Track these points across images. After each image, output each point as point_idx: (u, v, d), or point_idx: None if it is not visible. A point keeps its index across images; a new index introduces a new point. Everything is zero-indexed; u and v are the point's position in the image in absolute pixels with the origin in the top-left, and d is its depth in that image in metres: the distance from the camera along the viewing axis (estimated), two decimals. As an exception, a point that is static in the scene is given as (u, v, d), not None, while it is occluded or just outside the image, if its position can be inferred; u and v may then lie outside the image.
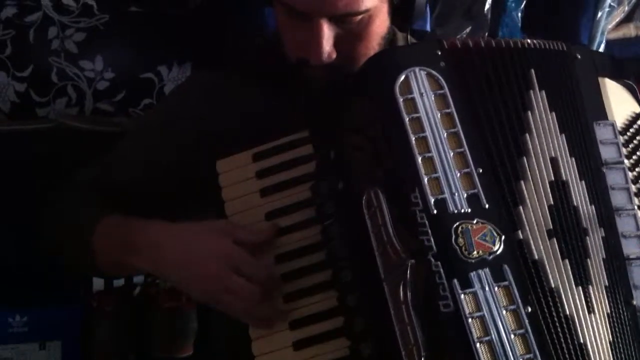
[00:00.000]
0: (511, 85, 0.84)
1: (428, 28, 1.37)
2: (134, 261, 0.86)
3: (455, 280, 0.71)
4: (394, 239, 0.75)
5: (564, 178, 0.81)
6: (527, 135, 0.82)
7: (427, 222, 0.74)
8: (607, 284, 0.78)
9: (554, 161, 0.82)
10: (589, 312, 0.76)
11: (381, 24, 0.91)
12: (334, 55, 0.89)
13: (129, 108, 1.38)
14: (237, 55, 1.21)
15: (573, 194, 0.81)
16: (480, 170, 0.77)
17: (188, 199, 0.96)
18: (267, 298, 0.80)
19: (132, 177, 0.96)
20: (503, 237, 0.74)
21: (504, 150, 0.81)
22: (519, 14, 1.47)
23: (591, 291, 0.77)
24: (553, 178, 0.81)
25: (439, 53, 0.84)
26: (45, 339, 1.25)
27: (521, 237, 0.76)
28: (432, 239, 0.73)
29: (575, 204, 0.80)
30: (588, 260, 0.78)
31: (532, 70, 0.85)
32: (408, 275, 0.73)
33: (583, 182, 0.82)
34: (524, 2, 1.48)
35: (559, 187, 0.81)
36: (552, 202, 0.79)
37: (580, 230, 0.79)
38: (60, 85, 1.35)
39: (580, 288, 0.76)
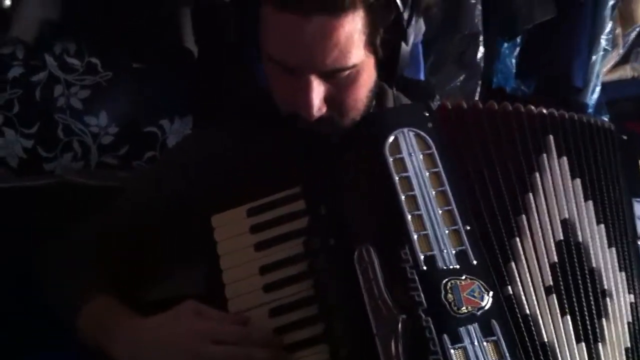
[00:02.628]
0: (515, 147, 0.88)
1: (422, 77, 1.41)
2: (112, 351, 0.88)
3: (445, 336, 0.74)
4: (385, 294, 0.78)
5: (579, 240, 0.85)
6: (531, 194, 0.86)
7: (417, 278, 0.77)
8: (628, 345, 0.81)
9: (566, 222, 0.85)
10: None
11: (368, 77, 0.95)
12: (324, 109, 0.92)
13: (133, 161, 1.42)
14: (234, 108, 1.26)
15: (593, 256, 0.84)
16: (468, 228, 0.81)
17: (180, 252, 0.99)
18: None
19: (125, 229, 0.99)
20: (491, 293, 0.77)
21: (497, 208, 0.84)
22: (513, 61, 1.52)
23: (601, 349, 0.79)
24: (562, 238, 0.84)
25: (427, 114, 0.89)
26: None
27: (511, 292, 0.79)
28: (422, 295, 0.76)
29: (593, 265, 0.84)
30: (604, 320, 0.81)
31: (551, 136, 0.89)
32: (399, 330, 0.75)
33: (613, 249, 0.86)
34: (518, 48, 1.53)
35: (569, 247, 0.84)
36: (556, 260, 0.82)
37: (597, 291, 0.82)
38: (66, 140, 1.40)
39: (582, 345, 0.79)
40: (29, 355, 1.27)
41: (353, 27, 0.88)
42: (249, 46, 0.98)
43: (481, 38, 1.43)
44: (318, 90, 0.91)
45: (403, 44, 0.94)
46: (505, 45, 1.53)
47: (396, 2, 0.90)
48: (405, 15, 0.92)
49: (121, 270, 0.97)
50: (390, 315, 0.77)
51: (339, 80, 0.92)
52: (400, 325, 0.76)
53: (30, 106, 1.37)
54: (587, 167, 0.90)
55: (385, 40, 0.93)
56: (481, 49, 1.44)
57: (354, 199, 0.86)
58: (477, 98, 1.46)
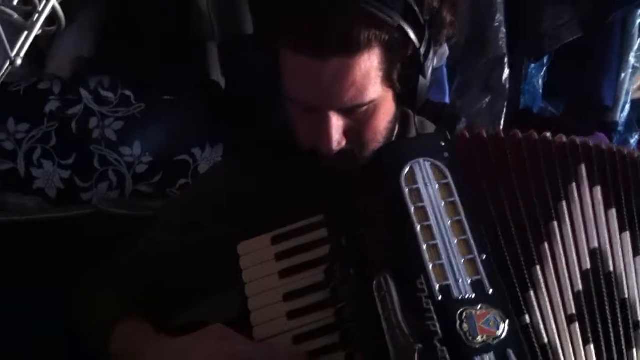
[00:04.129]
0: (541, 176, 0.87)
1: (447, 100, 1.42)
2: None
3: (460, 365, 0.74)
4: (402, 323, 0.78)
5: (610, 270, 0.84)
6: (556, 223, 0.85)
7: (432, 307, 0.77)
8: None
9: (595, 252, 0.84)
10: None
11: (387, 111, 0.96)
12: (344, 143, 0.94)
13: (167, 188, 1.47)
14: (261, 138, 1.29)
15: (627, 287, 0.83)
16: (484, 257, 0.81)
17: (206, 281, 1.01)
18: None
19: (154, 262, 1.02)
20: (507, 322, 0.77)
21: (517, 237, 0.84)
22: (540, 81, 1.51)
23: None
24: (589, 267, 0.83)
25: (443, 144, 0.89)
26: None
27: (529, 321, 0.79)
28: (437, 324, 0.76)
29: (626, 296, 0.83)
30: (634, 350, 0.80)
31: (583, 166, 0.88)
32: (416, 359, 0.77)
33: None
34: (545, 68, 1.53)
35: (597, 277, 0.83)
36: (580, 289, 0.82)
37: (628, 321, 0.81)
38: (102, 170, 1.45)
39: None
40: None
41: (370, 65, 0.90)
42: (273, 82, 1.00)
43: (506, 59, 1.43)
44: (337, 126, 0.93)
45: (421, 77, 0.95)
46: (532, 65, 1.52)
47: (412, 39, 0.91)
48: (422, 50, 0.93)
49: (149, 301, 1.00)
50: (408, 345, 0.77)
51: (358, 115, 0.93)
52: (417, 355, 0.76)
53: (67, 138, 1.43)
54: (625, 197, 0.88)
55: (402, 75, 0.94)
56: (506, 71, 1.43)
57: (372, 229, 0.87)
58: (503, 119, 1.46)
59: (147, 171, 1.46)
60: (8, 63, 0.77)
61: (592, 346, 0.79)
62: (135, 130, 1.45)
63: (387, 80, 0.93)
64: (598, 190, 0.88)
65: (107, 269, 1.05)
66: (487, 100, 1.42)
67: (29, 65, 1.40)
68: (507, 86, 1.43)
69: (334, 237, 0.90)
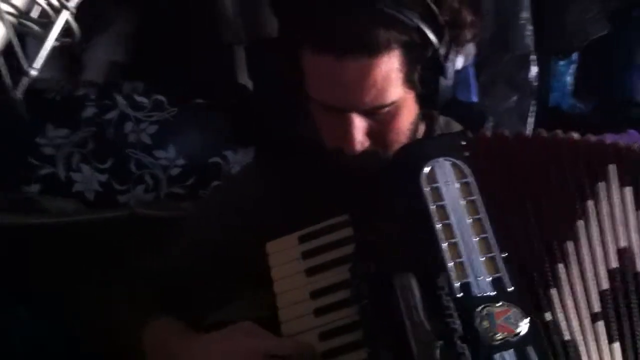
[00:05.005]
0: (565, 175, 0.87)
1: (474, 99, 1.42)
2: None
3: (480, 362, 0.75)
4: (424, 320, 0.79)
5: (639, 270, 0.83)
6: (582, 221, 0.84)
7: (452, 305, 0.78)
8: None
9: (624, 251, 0.84)
10: None
11: (409, 112, 0.96)
12: (367, 143, 0.95)
13: (200, 190, 1.50)
14: (290, 142, 1.30)
15: None
16: (504, 255, 0.81)
17: (236, 281, 1.03)
18: None
19: (184, 264, 1.03)
20: (527, 319, 0.77)
21: (539, 235, 0.83)
22: (569, 78, 1.49)
23: None
24: (617, 266, 0.83)
25: (464, 143, 0.90)
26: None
27: (550, 318, 0.79)
28: (457, 322, 0.77)
29: None
30: None
31: (613, 166, 0.87)
32: (437, 357, 0.77)
33: None
34: (574, 65, 1.51)
35: (624, 276, 0.83)
36: (606, 287, 0.82)
37: None
38: (138, 173, 1.49)
39: None
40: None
41: (390, 67, 0.90)
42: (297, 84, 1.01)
43: (533, 57, 1.42)
44: (359, 127, 0.93)
45: (442, 78, 0.95)
46: (561, 62, 1.51)
47: (431, 40, 0.92)
48: (442, 51, 0.93)
49: (180, 301, 1.02)
50: (429, 342, 0.78)
51: (380, 116, 0.94)
52: (438, 352, 0.77)
53: (103, 143, 1.47)
54: None
55: (423, 76, 0.94)
56: (534, 68, 1.42)
57: (394, 227, 0.88)
58: (531, 118, 1.45)
59: (181, 174, 1.49)
60: (25, 74, 0.80)
61: (617, 344, 0.79)
62: (169, 134, 1.49)
63: (408, 81, 0.93)
64: (629, 190, 0.87)
65: (140, 269, 1.08)
66: (514, 98, 1.41)
67: (66, 72, 1.44)
68: (535, 84, 1.42)
69: (358, 234, 0.91)
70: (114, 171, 1.48)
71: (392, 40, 0.89)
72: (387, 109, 0.93)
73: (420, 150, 0.91)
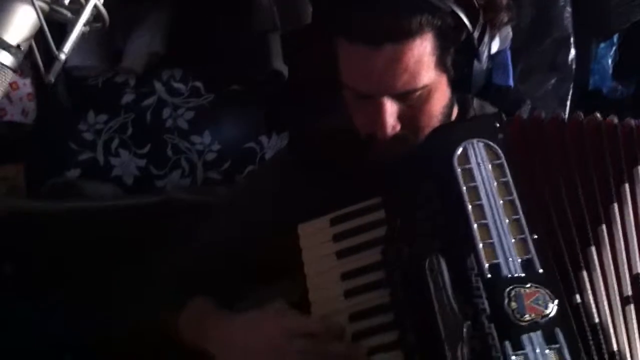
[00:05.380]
0: (602, 158, 0.86)
1: (511, 83, 1.39)
2: (208, 349, 0.93)
3: (507, 342, 0.73)
4: (452, 301, 0.79)
5: None
6: (616, 204, 0.83)
7: (481, 285, 0.77)
8: None
9: None
10: None
11: (441, 96, 0.95)
12: (398, 128, 0.94)
13: (235, 175, 1.51)
14: (324, 128, 1.30)
15: None
16: (535, 237, 0.80)
17: (268, 266, 1.03)
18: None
19: (217, 247, 1.04)
20: (556, 301, 0.76)
21: (572, 217, 0.82)
22: (610, 61, 1.46)
23: None
24: None
25: (497, 125, 0.88)
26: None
27: (579, 301, 0.78)
28: (485, 302, 0.76)
29: None
30: None
31: None
32: (465, 336, 0.76)
33: None
34: (614, 47, 1.47)
35: None
36: (638, 272, 0.80)
37: None
38: (174, 158, 1.50)
39: None
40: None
41: (422, 51, 0.90)
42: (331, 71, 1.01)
43: (572, 40, 1.39)
44: (391, 111, 0.93)
45: (476, 62, 0.94)
46: (602, 45, 1.47)
47: (465, 24, 0.90)
48: (476, 35, 0.92)
49: (213, 287, 1.03)
50: (457, 322, 0.78)
51: (412, 101, 0.93)
52: (465, 331, 0.77)
53: (142, 128, 1.49)
54: None
55: (456, 60, 0.93)
56: (572, 51, 1.39)
57: (426, 209, 0.87)
58: (570, 101, 1.42)
59: (217, 159, 1.50)
60: (56, 59, 0.82)
61: None
62: (205, 120, 1.50)
63: (440, 65, 0.92)
64: None
65: (175, 255, 1.09)
66: (552, 82, 1.38)
67: (107, 61, 1.47)
68: (574, 67, 1.39)
69: (390, 217, 0.91)
70: (152, 156, 1.50)
71: (425, 25, 0.89)
72: (419, 92, 0.93)
73: (454, 131, 0.90)
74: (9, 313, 1.36)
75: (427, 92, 0.93)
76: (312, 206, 0.97)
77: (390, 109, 0.93)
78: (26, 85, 1.45)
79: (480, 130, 0.88)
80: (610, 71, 1.47)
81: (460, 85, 0.96)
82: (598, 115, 0.90)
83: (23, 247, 1.39)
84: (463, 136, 0.88)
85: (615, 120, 0.90)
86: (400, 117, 0.94)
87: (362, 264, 0.91)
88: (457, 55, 0.92)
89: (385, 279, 0.88)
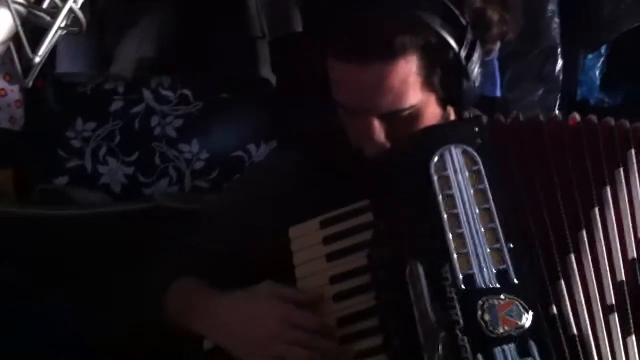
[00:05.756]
0: (582, 161, 0.84)
1: (498, 93, 1.38)
2: (197, 330, 0.91)
3: (480, 355, 0.72)
4: (430, 310, 0.78)
5: None
6: (597, 209, 0.81)
7: (455, 296, 0.76)
8: None
9: None
10: None
11: (431, 115, 0.94)
12: (388, 145, 0.93)
13: (223, 184, 1.50)
14: (315, 136, 1.29)
15: None
16: (512, 246, 0.78)
17: (257, 269, 1.02)
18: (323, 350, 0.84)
19: (206, 251, 1.02)
20: (531, 313, 0.74)
21: (550, 224, 0.81)
22: (597, 72, 1.45)
23: None
24: (635, 256, 0.80)
25: (477, 130, 0.87)
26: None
27: (556, 312, 0.76)
28: (459, 314, 0.75)
29: None
30: None
31: (633, 151, 0.84)
32: (440, 348, 0.75)
33: None
34: (602, 59, 1.45)
35: None
36: (623, 279, 0.78)
37: None
38: (162, 167, 1.49)
39: None
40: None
41: (407, 71, 0.89)
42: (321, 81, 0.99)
43: (559, 50, 1.38)
44: (380, 130, 0.92)
45: (465, 80, 0.92)
46: (590, 56, 1.46)
47: (450, 44, 0.89)
48: (464, 54, 0.90)
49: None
50: (434, 332, 0.77)
51: (400, 120, 0.92)
52: (440, 342, 0.75)
53: (130, 136, 1.48)
54: None
55: (444, 79, 0.92)
56: (560, 62, 1.38)
57: (406, 216, 0.86)
58: (557, 112, 1.40)
59: (205, 168, 1.49)
60: (30, 62, 0.81)
61: (633, 338, 0.76)
62: (193, 128, 1.49)
63: (428, 85, 0.91)
64: None
65: (165, 260, 1.08)
66: (540, 92, 1.37)
67: (96, 67, 1.46)
68: (561, 78, 1.37)
69: (376, 221, 0.90)
70: (140, 164, 1.48)
71: (409, 45, 0.88)
72: (407, 112, 0.92)
73: (431, 137, 0.89)
74: (8, 313, 1.35)
75: (416, 112, 0.92)
76: (307, 209, 0.96)
77: (379, 127, 0.92)
78: (14, 92, 1.44)
79: (459, 135, 0.87)
80: (598, 82, 1.46)
81: (451, 103, 0.95)
82: (577, 115, 0.89)
83: (19, 250, 1.37)
84: (440, 142, 0.86)
85: (594, 119, 0.88)
86: (390, 136, 0.93)
87: (351, 268, 0.90)
88: (444, 75, 0.91)
89: (370, 284, 0.87)
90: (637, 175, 0.83)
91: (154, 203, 1.41)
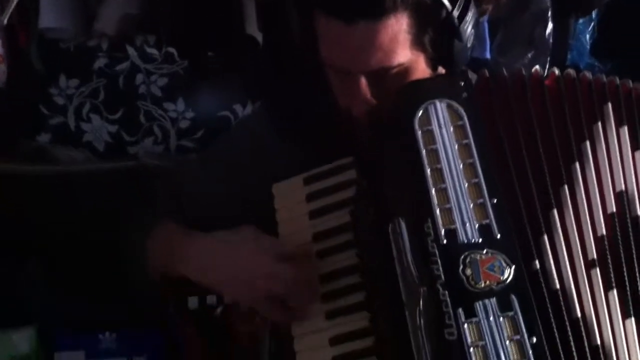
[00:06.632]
0: (563, 116, 0.82)
1: (487, 56, 1.35)
2: (180, 269, 0.90)
3: (460, 310, 0.70)
4: (412, 266, 0.75)
5: (638, 213, 0.78)
6: (578, 164, 0.80)
7: (437, 251, 0.73)
8: None
9: (622, 195, 0.79)
10: None
11: (420, 74, 0.91)
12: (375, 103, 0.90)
13: (209, 144, 1.46)
14: (300, 96, 1.26)
15: None
16: (495, 201, 0.76)
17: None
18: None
19: (191, 209, 1.00)
20: (513, 267, 0.72)
21: (533, 180, 0.79)
22: (587, 37, 1.42)
23: None
24: (615, 210, 0.78)
25: (462, 84, 0.84)
26: (132, 355, 1.33)
27: (538, 266, 0.74)
28: (440, 268, 0.72)
29: None
30: None
31: (609, 105, 0.83)
32: (421, 303, 0.73)
33: None
34: (593, 23, 1.42)
35: (623, 221, 0.78)
36: (604, 233, 0.77)
37: None
38: (147, 125, 1.46)
39: (631, 320, 0.73)
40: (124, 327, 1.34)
41: (397, 29, 0.85)
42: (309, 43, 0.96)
43: (549, 14, 1.34)
44: (367, 88, 0.90)
45: (457, 41, 0.89)
46: (580, 21, 1.43)
47: (443, 3, 0.86)
48: (456, 13, 0.87)
49: None
50: (415, 288, 0.75)
51: (388, 78, 0.89)
52: (421, 298, 0.73)
53: (114, 94, 1.45)
54: None
55: (435, 39, 0.88)
56: (550, 25, 1.34)
57: (389, 172, 0.84)
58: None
59: (190, 127, 1.46)
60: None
61: (614, 292, 0.75)
62: (179, 87, 1.46)
63: (418, 44, 0.88)
64: (625, 130, 0.82)
65: (146, 210, 1.05)
66: (529, 55, 1.34)
67: (80, 24, 1.42)
68: (551, 41, 1.34)
69: (359, 177, 0.88)
70: (124, 122, 1.46)
71: (400, 2, 0.85)
72: (395, 70, 0.89)
73: (416, 91, 0.86)
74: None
75: (404, 70, 0.89)
76: (291, 168, 0.94)
77: (367, 86, 0.89)
78: (-4, 48, 1.39)
79: (444, 89, 0.84)
80: (588, 47, 1.43)
81: (441, 63, 0.92)
82: (556, 70, 0.87)
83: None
84: (425, 96, 0.83)
85: (573, 74, 0.86)
86: (377, 95, 0.90)
87: (333, 225, 0.88)
88: (435, 35, 0.88)
89: (353, 241, 0.85)
90: (613, 129, 0.82)
91: (139, 162, 1.38)
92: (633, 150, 0.81)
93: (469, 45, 0.91)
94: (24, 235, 1.33)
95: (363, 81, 0.89)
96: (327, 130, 0.98)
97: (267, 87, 1.41)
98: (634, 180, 0.80)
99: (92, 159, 1.42)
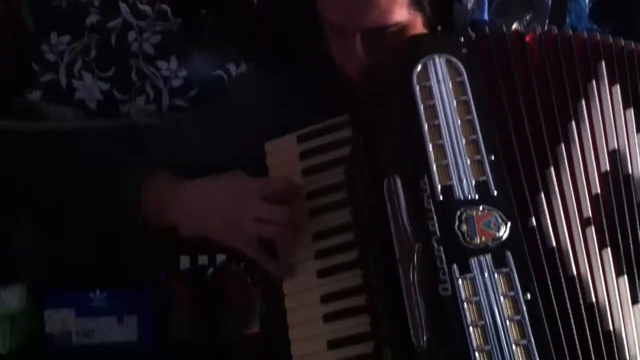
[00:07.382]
0: (560, 74, 0.81)
1: (486, 17, 1.32)
2: (171, 217, 0.90)
3: (455, 265, 0.69)
4: (406, 223, 0.74)
5: (629, 172, 0.78)
6: (574, 123, 0.78)
7: (433, 208, 0.72)
8: None
9: (615, 154, 0.78)
10: (634, 303, 0.72)
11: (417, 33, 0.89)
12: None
13: (201, 103, 1.44)
14: (297, 56, 1.23)
15: None
16: (492, 158, 0.74)
17: None
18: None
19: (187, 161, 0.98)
20: (509, 224, 0.71)
21: (531, 138, 0.77)
22: (587, 0, 1.39)
23: None
24: (608, 169, 0.77)
25: (462, 40, 0.82)
26: (122, 313, 1.32)
27: (534, 224, 0.73)
28: (436, 225, 0.71)
29: None
30: None
31: (603, 63, 0.82)
32: (415, 259, 0.72)
33: None
34: (592, -14, 1.40)
35: (616, 179, 0.77)
36: (598, 192, 0.76)
37: None
38: (139, 84, 1.43)
39: (624, 277, 0.73)
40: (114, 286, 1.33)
41: None
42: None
43: (550, -26, 1.32)
44: (363, 46, 0.88)
45: (456, 2, 0.88)
46: (580, -17, 1.40)
47: None
48: None
49: None
50: (409, 244, 0.73)
51: (385, 37, 0.88)
52: (416, 254, 0.72)
53: (106, 51, 1.41)
54: None
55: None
56: (549, -14, 1.32)
57: (385, 129, 0.82)
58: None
59: (183, 86, 1.43)
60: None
61: (608, 250, 0.74)
62: (172, 45, 1.42)
63: (415, 3, 0.87)
64: (617, 88, 0.80)
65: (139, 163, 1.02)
66: (527, 17, 1.31)
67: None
68: (550, 4, 1.32)
69: (354, 135, 0.86)
70: (116, 80, 1.42)
71: None
72: (391, 29, 0.87)
73: (416, 46, 0.83)
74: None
75: (401, 30, 0.87)
76: (286, 126, 0.92)
77: (362, 44, 0.88)
78: (-14, 4, 1.35)
79: (444, 44, 0.82)
80: (587, 11, 1.41)
81: (440, 25, 0.90)
82: (554, 28, 0.85)
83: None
84: (425, 51, 0.81)
85: (570, 32, 0.84)
86: (373, 54, 0.88)
87: (327, 183, 0.87)
88: None
89: (347, 199, 0.84)
90: (607, 87, 0.81)
91: (130, 120, 1.35)
92: (625, 109, 0.80)
93: (469, 7, 0.89)
94: (17, 189, 1.32)
95: (358, 39, 0.87)
96: (323, 86, 0.96)
97: (262, 45, 1.38)
98: (625, 138, 0.79)
99: (83, 116, 1.39)
